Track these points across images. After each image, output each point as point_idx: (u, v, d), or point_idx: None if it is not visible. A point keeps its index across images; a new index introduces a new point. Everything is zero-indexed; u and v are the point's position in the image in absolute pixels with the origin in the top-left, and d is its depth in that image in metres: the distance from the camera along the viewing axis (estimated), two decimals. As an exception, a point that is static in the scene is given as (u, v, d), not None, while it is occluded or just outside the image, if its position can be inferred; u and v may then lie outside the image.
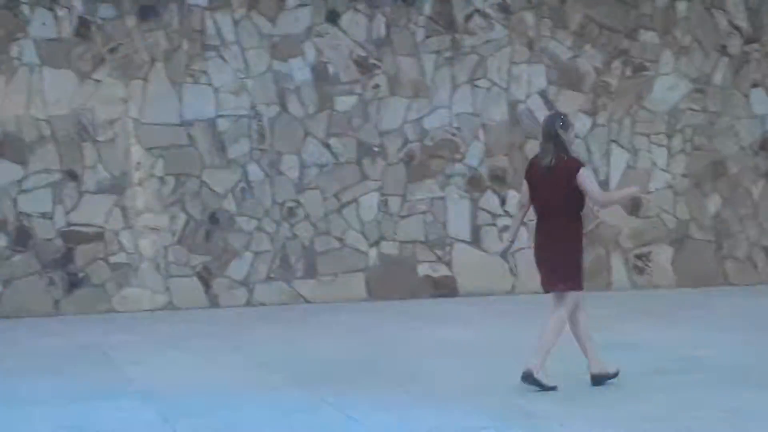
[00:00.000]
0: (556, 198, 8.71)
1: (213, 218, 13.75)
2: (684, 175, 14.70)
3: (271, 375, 9.52)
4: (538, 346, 8.71)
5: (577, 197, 8.73)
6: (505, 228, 14.29)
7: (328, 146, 14.08)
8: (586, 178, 8.70)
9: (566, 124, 8.80)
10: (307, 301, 13.87)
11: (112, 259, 13.51)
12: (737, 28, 14.79)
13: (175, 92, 13.75)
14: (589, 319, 8.95)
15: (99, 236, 13.48)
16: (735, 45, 14.79)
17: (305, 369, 9.69)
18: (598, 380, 8.82)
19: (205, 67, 13.83)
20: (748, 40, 14.80)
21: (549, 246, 8.79)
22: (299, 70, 14.01)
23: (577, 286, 8.84)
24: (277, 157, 13.98)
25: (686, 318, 12.24)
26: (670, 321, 12.06)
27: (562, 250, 8.76)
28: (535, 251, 8.95)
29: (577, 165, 8.76)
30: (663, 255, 14.66)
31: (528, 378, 8.61)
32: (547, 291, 8.99)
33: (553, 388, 8.58)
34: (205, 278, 13.73)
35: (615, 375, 8.86)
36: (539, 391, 8.54)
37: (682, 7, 14.70)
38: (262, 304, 13.75)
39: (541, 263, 8.89)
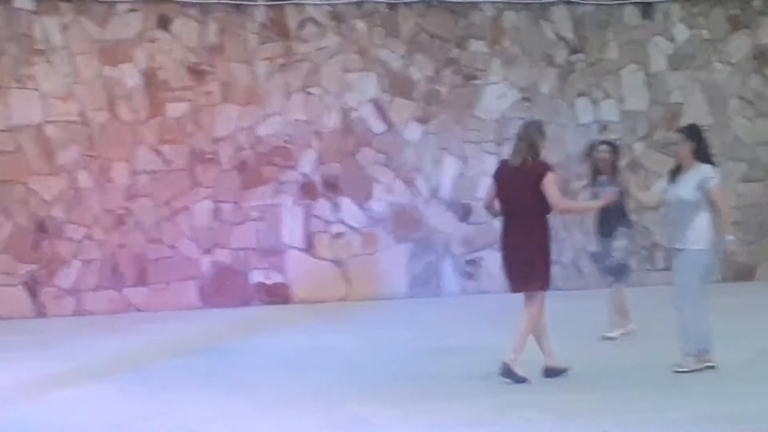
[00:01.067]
0: (524, 199, 9.07)
1: (41, 226, 13.48)
2: (513, 182, 14.97)
3: (102, 385, 9.38)
4: (514, 343, 9.14)
5: (543, 199, 9.07)
6: (339, 235, 14.37)
7: (159, 153, 13.94)
8: (549, 183, 9.03)
9: (542, 133, 9.29)
10: (138, 310, 13.70)
11: (-65, 269, 13.14)
12: (563, 38, 15.17)
13: (1, 97, 13.44)
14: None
15: None
16: (561, 55, 15.15)
17: (137, 378, 9.58)
18: (551, 373, 9.22)
19: (32, 72, 13.54)
20: (574, 51, 15.18)
21: (518, 246, 9.13)
22: (130, 76, 13.84)
23: (546, 284, 9.25)
24: (107, 163, 13.78)
25: (514, 322, 12.44)
26: (498, 325, 12.26)
27: (532, 251, 9.11)
28: (504, 251, 9.27)
29: (545, 169, 9.08)
30: (492, 260, 14.90)
31: (505, 371, 9.02)
32: (516, 292, 9.30)
33: (525, 380, 9.01)
34: (32, 287, 13.45)
35: (565, 371, 9.29)
36: (512, 383, 8.97)
37: (510, 17, 15.00)
38: (92, 313, 13.53)
39: (512, 264, 9.20)
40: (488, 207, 9.46)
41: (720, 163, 15.28)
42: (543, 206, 9.11)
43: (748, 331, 10.80)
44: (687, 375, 9.15)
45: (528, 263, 9.11)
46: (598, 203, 10.20)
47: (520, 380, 9.01)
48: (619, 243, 10.93)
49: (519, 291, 9.28)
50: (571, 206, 10.22)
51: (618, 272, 11.05)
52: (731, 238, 9.32)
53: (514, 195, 9.11)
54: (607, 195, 9.69)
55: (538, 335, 9.32)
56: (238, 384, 9.25)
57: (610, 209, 10.25)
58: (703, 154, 9.44)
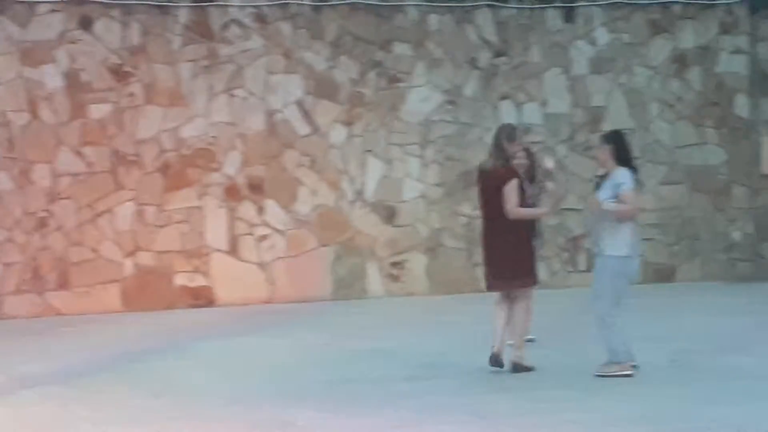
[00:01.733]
0: (496, 202, 9.45)
1: (-40, 229, 13.30)
2: (437, 185, 15.06)
3: (21, 389, 9.27)
4: (515, 340, 9.56)
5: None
6: (264, 237, 14.34)
7: (81, 155, 13.81)
8: (509, 189, 9.41)
9: (511, 137, 9.59)
10: (60, 314, 13.55)
11: None
12: (487, 41, 15.27)
13: None
14: None
15: None
16: (484, 58, 15.25)
17: (60, 383, 9.48)
18: (516, 368, 9.54)
19: (-49, 73, 13.37)
20: (497, 54, 15.29)
21: (499, 247, 9.49)
22: (51, 77, 13.69)
23: (532, 281, 9.61)
24: (28, 165, 13.62)
25: (438, 324, 12.54)
26: (423, 328, 12.33)
27: (513, 251, 9.46)
28: (486, 251, 9.62)
29: (509, 176, 9.45)
30: (417, 263, 14.97)
31: (516, 368, 9.47)
32: (499, 290, 9.63)
33: (532, 369, 9.51)
34: (-49, 291, 13.26)
35: (531, 369, 9.56)
36: (525, 373, 9.42)
37: (433, 20, 15.07)
38: (13, 317, 13.35)
39: (493, 263, 9.55)
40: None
41: (641, 167, 15.60)
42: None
43: (668, 333, 10.95)
44: (615, 378, 9.24)
45: (509, 263, 9.48)
46: (546, 210, 10.42)
47: (530, 370, 9.52)
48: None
49: (505, 289, 9.61)
50: (523, 214, 10.31)
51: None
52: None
53: (490, 198, 9.55)
54: (554, 199, 9.86)
55: (504, 329, 9.63)
56: (162, 388, 9.20)
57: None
58: (623, 159, 9.49)
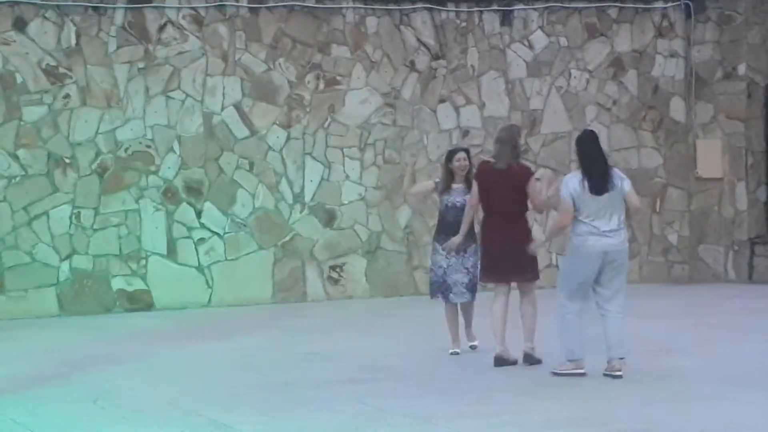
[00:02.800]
0: (510, 198, 9.79)
1: None
2: (376, 188, 15.07)
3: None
4: (524, 332, 9.94)
5: (526, 199, 9.86)
6: (202, 240, 14.25)
7: (16, 157, 13.65)
8: (535, 185, 9.87)
9: (519, 136, 10.17)
10: (-6, 318, 13.39)
11: None
12: (425, 44, 15.29)
13: None
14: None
15: None
16: (423, 61, 15.28)
17: (-8, 389, 9.35)
18: (500, 362, 9.83)
19: None
20: (435, 57, 15.33)
21: (510, 242, 9.80)
22: (-15, 79, 13.53)
23: (537, 275, 10.11)
24: (-38, 168, 13.45)
25: (378, 327, 12.54)
26: (362, 330, 12.33)
27: (523, 245, 9.82)
28: (494, 247, 9.89)
29: (529, 172, 9.96)
30: (356, 266, 14.97)
31: (528, 359, 9.84)
32: (510, 282, 9.94)
33: (539, 362, 9.83)
34: None
35: (540, 362, 9.83)
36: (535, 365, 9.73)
37: (372, 23, 15.07)
38: (-54, 322, 13.19)
39: (504, 258, 9.83)
40: (472, 207, 10.04)
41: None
42: (526, 205, 9.92)
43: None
44: (560, 379, 9.29)
45: (522, 257, 9.83)
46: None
47: (539, 361, 9.85)
48: (474, 259, 10.38)
49: (514, 281, 9.96)
50: (548, 203, 10.39)
51: (474, 289, 10.52)
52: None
53: (500, 195, 9.85)
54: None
55: (503, 325, 9.91)
56: (99, 392, 9.10)
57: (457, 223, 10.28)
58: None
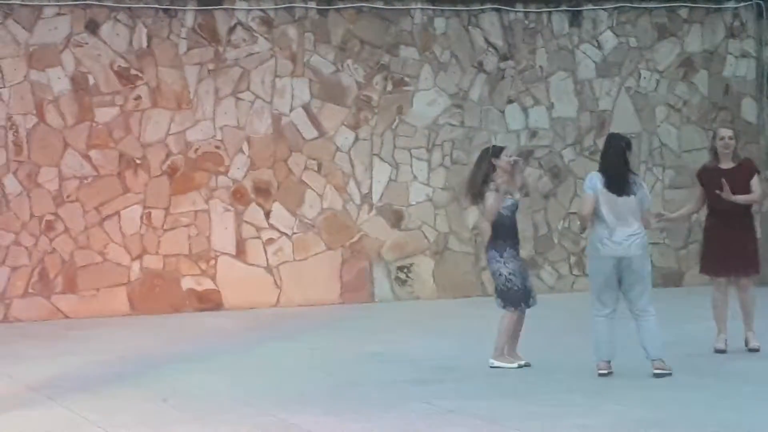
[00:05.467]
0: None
1: (-33, 232, 13.31)
2: (443, 189, 15.06)
3: (30, 392, 9.27)
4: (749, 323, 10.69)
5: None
6: (271, 241, 14.34)
7: (88, 158, 13.82)
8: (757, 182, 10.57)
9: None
10: (67, 317, 13.56)
11: None
12: (493, 45, 15.26)
13: (-74, 102, 13.27)
14: None
15: None
16: (491, 62, 15.25)
17: (68, 386, 9.47)
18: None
19: (-42, 76, 13.38)
20: (503, 58, 15.29)
21: (745, 236, 10.77)
22: (58, 80, 13.71)
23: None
24: (35, 168, 13.63)
25: (445, 328, 12.54)
26: (429, 331, 12.32)
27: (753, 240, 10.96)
28: (731, 242, 10.58)
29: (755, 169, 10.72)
30: (424, 266, 14.97)
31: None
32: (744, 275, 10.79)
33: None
34: (-41, 294, 13.27)
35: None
36: None
37: (440, 24, 15.07)
38: (19, 320, 13.37)
39: (739, 252, 10.64)
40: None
41: (647, 170, 15.61)
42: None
43: (676, 337, 10.92)
44: (633, 381, 9.27)
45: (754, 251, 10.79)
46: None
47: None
48: (505, 266, 9.94)
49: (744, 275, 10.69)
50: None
51: (505, 297, 9.99)
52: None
53: (734, 192, 10.35)
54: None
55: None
56: (170, 391, 9.20)
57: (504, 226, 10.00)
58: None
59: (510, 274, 9.90)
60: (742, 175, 10.55)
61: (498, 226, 9.98)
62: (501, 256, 9.94)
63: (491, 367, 9.88)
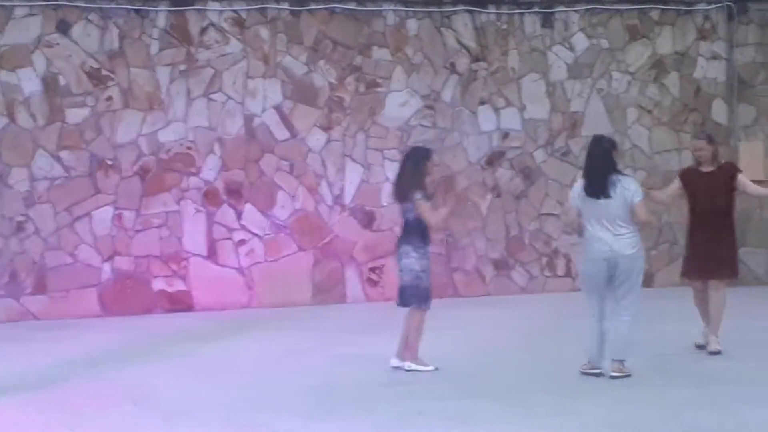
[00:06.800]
0: (722, 197, 10.77)
1: (-64, 233, 13.23)
2: (416, 190, 15.03)
3: (1, 397, 9.24)
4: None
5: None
6: (242, 242, 14.31)
7: (59, 159, 13.77)
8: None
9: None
10: (37, 318, 13.50)
11: None
12: (465, 47, 15.28)
13: None
14: None
15: None
16: (463, 63, 15.27)
17: (38, 389, 9.42)
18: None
19: (-73, 77, 13.31)
20: (475, 59, 15.31)
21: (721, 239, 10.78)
22: (29, 81, 13.65)
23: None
24: (6, 169, 13.57)
25: (418, 329, 12.50)
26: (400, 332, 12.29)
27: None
28: (707, 245, 10.70)
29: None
30: (396, 268, 14.93)
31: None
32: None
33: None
34: (-72, 296, 13.19)
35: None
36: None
37: (412, 25, 15.08)
38: (-11, 321, 13.31)
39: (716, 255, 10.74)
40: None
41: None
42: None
43: (646, 337, 10.96)
44: (603, 381, 9.31)
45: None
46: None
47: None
48: (409, 262, 9.93)
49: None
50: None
51: (411, 294, 10.00)
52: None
53: (716, 195, 10.50)
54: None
55: None
56: (139, 393, 9.16)
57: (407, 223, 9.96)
58: None
59: (422, 271, 9.97)
60: (723, 177, 10.62)
61: (414, 225, 9.98)
62: (415, 252, 9.95)
63: (407, 370, 9.88)
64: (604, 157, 9.50)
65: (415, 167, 9.95)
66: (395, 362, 10.02)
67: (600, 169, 9.46)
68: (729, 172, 10.71)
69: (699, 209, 10.66)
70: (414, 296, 9.94)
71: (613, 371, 9.46)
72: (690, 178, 10.76)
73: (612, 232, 9.41)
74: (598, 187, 9.43)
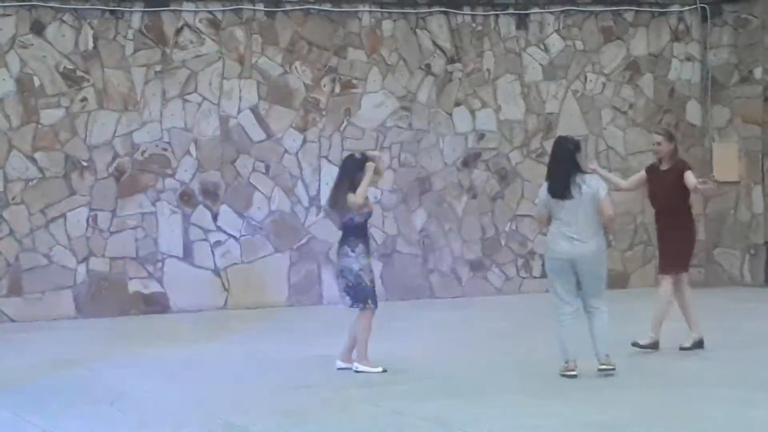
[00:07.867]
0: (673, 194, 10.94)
1: None
2: (391, 191, 15.07)
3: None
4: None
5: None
6: (218, 243, 14.29)
7: (33, 160, 13.71)
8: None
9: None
10: (11, 320, 13.44)
11: None
12: (440, 48, 15.30)
13: None
14: None
15: None
16: (438, 64, 15.29)
17: (13, 392, 9.38)
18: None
19: None
20: (451, 60, 15.33)
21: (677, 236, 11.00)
22: (3, 82, 13.60)
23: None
24: (-20, 171, 13.52)
25: (393, 330, 12.52)
26: (378, 334, 12.28)
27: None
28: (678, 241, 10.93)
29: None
30: (372, 269, 14.92)
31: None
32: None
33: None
34: None
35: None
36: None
37: (388, 26, 15.09)
38: (-36, 323, 13.24)
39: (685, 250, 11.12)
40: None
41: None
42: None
43: (623, 338, 11.00)
44: (579, 381, 9.32)
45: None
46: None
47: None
48: (347, 261, 9.94)
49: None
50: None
51: (354, 294, 9.97)
52: None
53: (667, 192, 10.69)
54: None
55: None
56: (115, 394, 9.14)
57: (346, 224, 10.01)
58: None
59: (360, 269, 9.94)
60: (675, 175, 10.80)
61: (350, 227, 10.00)
62: (353, 251, 9.95)
63: (356, 371, 9.87)
64: (567, 159, 9.56)
65: (346, 176, 9.96)
66: (340, 364, 10.02)
67: (563, 170, 9.52)
68: (680, 169, 10.83)
69: (657, 206, 11.01)
70: (358, 296, 9.91)
71: (602, 364, 9.49)
72: (651, 174, 10.98)
73: (580, 233, 9.44)
74: (560, 188, 9.48)
